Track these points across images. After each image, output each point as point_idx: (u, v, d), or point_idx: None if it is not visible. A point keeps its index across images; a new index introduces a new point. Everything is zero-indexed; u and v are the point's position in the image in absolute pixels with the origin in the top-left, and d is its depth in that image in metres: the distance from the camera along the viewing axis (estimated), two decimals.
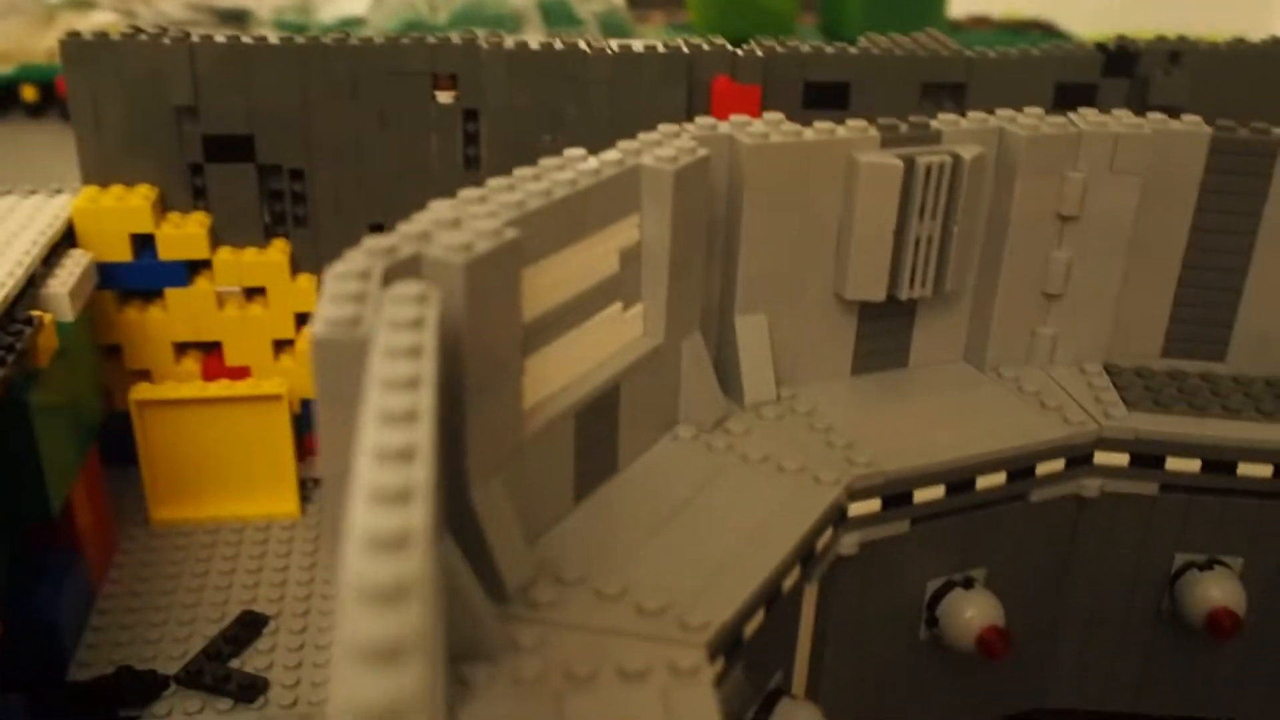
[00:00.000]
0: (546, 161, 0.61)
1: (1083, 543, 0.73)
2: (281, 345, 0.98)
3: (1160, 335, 0.78)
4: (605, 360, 0.63)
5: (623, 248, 0.62)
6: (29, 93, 1.80)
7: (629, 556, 0.59)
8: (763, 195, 0.67)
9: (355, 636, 0.30)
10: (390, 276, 0.48)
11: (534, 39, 1.86)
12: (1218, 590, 0.71)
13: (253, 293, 0.97)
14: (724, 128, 0.67)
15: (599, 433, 0.62)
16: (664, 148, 0.63)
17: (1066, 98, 0.98)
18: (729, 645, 0.55)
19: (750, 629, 0.57)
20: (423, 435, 0.37)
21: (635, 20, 2.10)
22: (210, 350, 0.97)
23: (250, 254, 0.95)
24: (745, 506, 0.62)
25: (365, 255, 0.49)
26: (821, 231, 0.70)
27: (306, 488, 0.99)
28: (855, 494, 0.65)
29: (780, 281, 0.70)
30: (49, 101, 1.81)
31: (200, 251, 0.94)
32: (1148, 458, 0.71)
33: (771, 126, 0.67)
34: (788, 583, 0.60)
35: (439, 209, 0.53)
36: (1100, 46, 0.99)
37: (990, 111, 0.93)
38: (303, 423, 0.97)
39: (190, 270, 0.94)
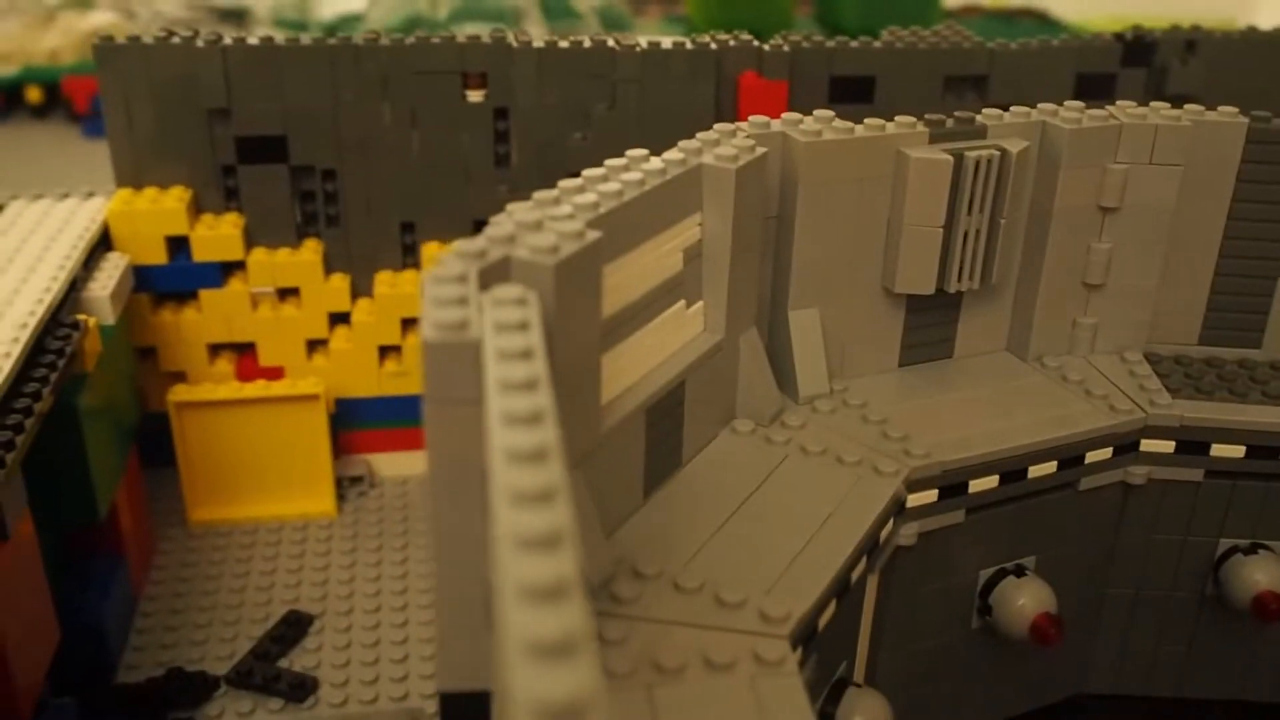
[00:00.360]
0: (611, 162, 0.61)
1: (1128, 529, 0.75)
2: (315, 345, 0.98)
3: (1198, 323, 0.80)
4: (670, 357, 0.64)
5: (685, 246, 0.63)
6: (33, 94, 1.79)
7: (702, 550, 0.60)
8: (816, 191, 0.68)
9: (526, 635, 0.31)
10: (484, 280, 0.49)
11: (535, 32, 1.87)
12: (1262, 574, 0.72)
13: (286, 293, 0.97)
14: (777, 125, 0.68)
15: (666, 428, 0.63)
16: (723, 147, 0.64)
17: (1086, 88, 1.00)
18: (807, 636, 0.57)
19: (824, 620, 0.59)
20: (551, 436, 0.38)
21: (632, 14, 2.11)
22: (244, 351, 0.98)
23: (284, 254, 0.96)
24: (810, 498, 0.64)
25: (459, 259, 0.50)
26: (872, 226, 0.71)
27: (342, 486, 0.99)
28: (913, 485, 0.66)
29: (832, 276, 0.71)
30: (53, 103, 1.80)
31: (235, 253, 0.94)
32: (1193, 444, 0.72)
33: (824, 124, 0.68)
34: (855, 573, 0.61)
35: (519, 211, 0.54)
36: (1118, 37, 1.00)
37: (1010, 103, 0.95)
38: (337, 421, 0.98)
39: (224, 271, 0.95)
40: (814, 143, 0.67)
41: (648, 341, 0.62)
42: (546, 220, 0.54)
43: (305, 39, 0.93)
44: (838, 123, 0.69)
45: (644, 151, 0.63)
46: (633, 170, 0.61)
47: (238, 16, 1.95)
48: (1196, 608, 0.77)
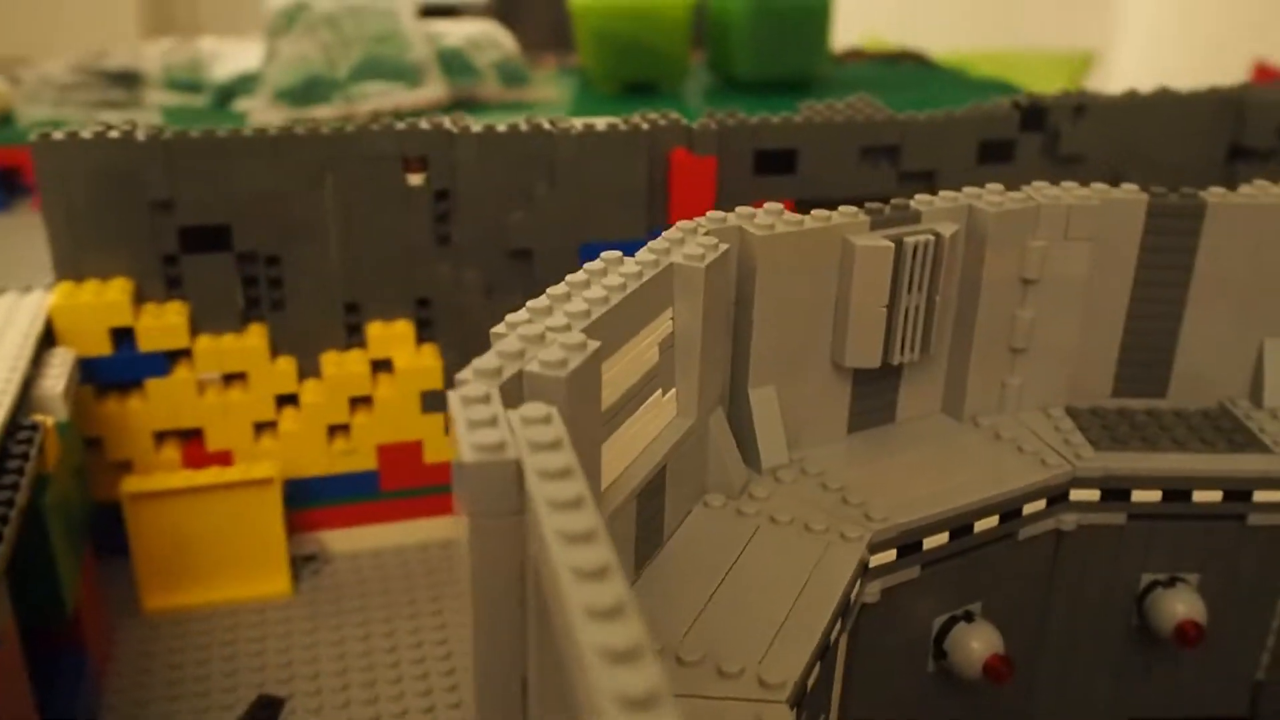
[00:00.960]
0: (590, 266, 0.66)
1: (1062, 571, 0.82)
2: (262, 427, 1.00)
3: (1110, 377, 0.87)
4: (652, 443, 0.68)
5: (660, 339, 0.68)
6: None
7: (696, 622, 0.64)
8: (771, 279, 0.74)
9: (597, 644, 0.35)
10: (505, 396, 0.53)
11: (435, 90, 1.90)
12: (1181, 605, 0.80)
13: (232, 377, 0.99)
14: (732, 219, 0.74)
15: (652, 510, 0.68)
16: (689, 245, 0.69)
17: (988, 153, 1.07)
18: (799, 698, 0.61)
19: (810, 681, 0.63)
20: (609, 553, 0.42)
21: (528, 66, 2.15)
22: (190, 437, 0.99)
23: (229, 339, 0.98)
24: (785, 566, 0.69)
25: (479, 378, 0.54)
26: (822, 308, 0.77)
27: (296, 565, 1.01)
28: (875, 547, 0.72)
29: (786, 354, 0.77)
30: None
31: (181, 341, 0.96)
32: (1116, 491, 0.79)
33: (775, 216, 0.74)
34: (833, 634, 0.67)
35: (520, 325, 0.58)
36: (1015, 104, 1.08)
37: (921, 169, 1.02)
38: (288, 501, 1.00)
39: (170, 359, 0.97)
40: (768, 236, 0.72)
41: (633, 431, 0.66)
42: (547, 332, 0.58)
43: (247, 131, 0.95)
44: (788, 215, 0.74)
45: (617, 254, 0.67)
46: (611, 274, 0.65)
47: (128, 80, 1.94)
48: (1124, 638, 0.84)
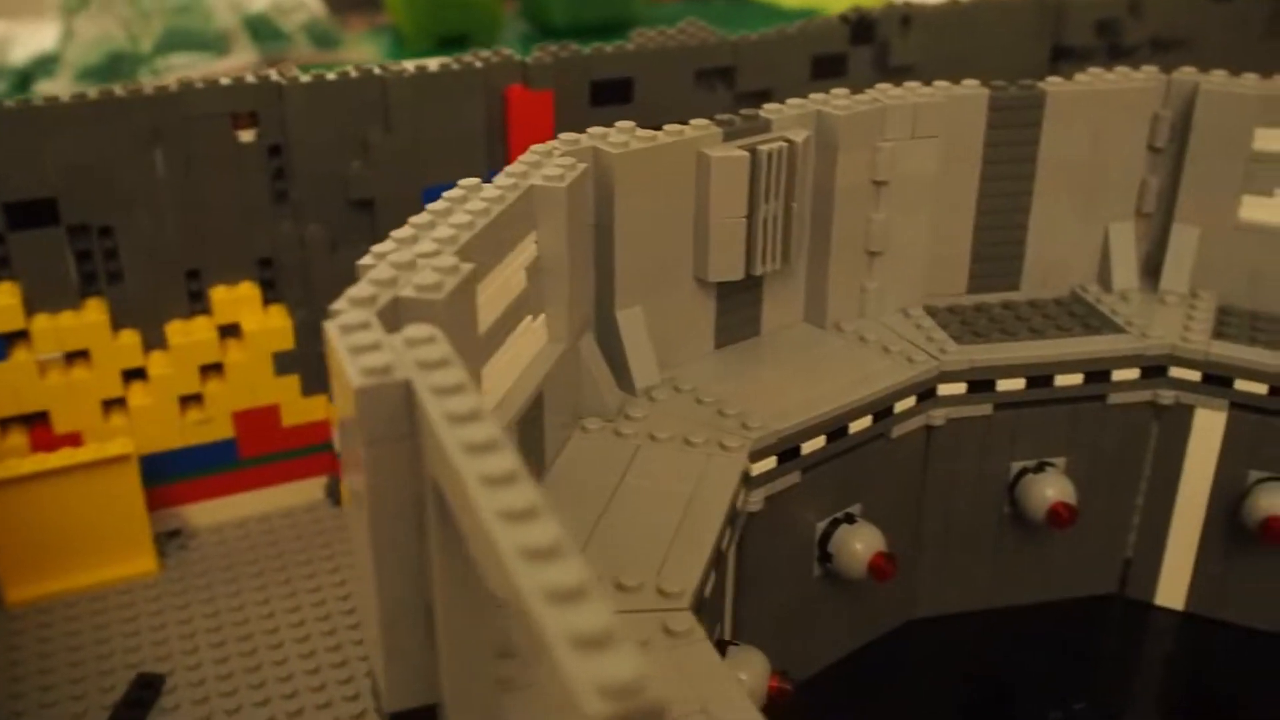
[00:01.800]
0: (450, 193, 0.64)
1: (934, 466, 0.83)
2: (110, 404, 0.97)
3: (965, 274, 0.89)
4: (527, 369, 0.67)
5: (527, 264, 0.67)
6: None
7: (590, 543, 0.64)
8: (630, 198, 0.73)
9: (569, 631, 0.34)
10: (382, 322, 0.52)
11: (244, 57, 1.85)
12: (1052, 489, 0.82)
13: (74, 356, 0.95)
14: (585, 140, 0.73)
15: (533, 437, 0.67)
16: (547, 168, 0.68)
17: (822, 68, 1.08)
18: (699, 605, 0.62)
19: (708, 590, 0.64)
20: (515, 460, 0.42)
21: (338, 27, 2.10)
22: (35, 421, 0.95)
23: (67, 317, 0.93)
24: (669, 481, 0.69)
25: (355, 306, 0.52)
26: (682, 224, 0.76)
27: (159, 542, 0.98)
28: (754, 455, 0.72)
29: (650, 274, 0.76)
30: None
31: (15, 323, 0.92)
32: (981, 383, 0.81)
33: (628, 134, 0.73)
34: (724, 544, 0.67)
35: (389, 253, 0.57)
36: (844, 18, 1.09)
37: (756, 89, 1.02)
38: (145, 478, 0.96)
39: (6, 343, 0.92)
40: (624, 153, 0.72)
41: (508, 357, 0.65)
42: (418, 259, 0.56)
43: (65, 96, 0.91)
44: (640, 132, 0.74)
45: (475, 180, 0.66)
46: (472, 200, 0.64)
47: None
48: (997, 527, 0.86)
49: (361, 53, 2.06)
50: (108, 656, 0.87)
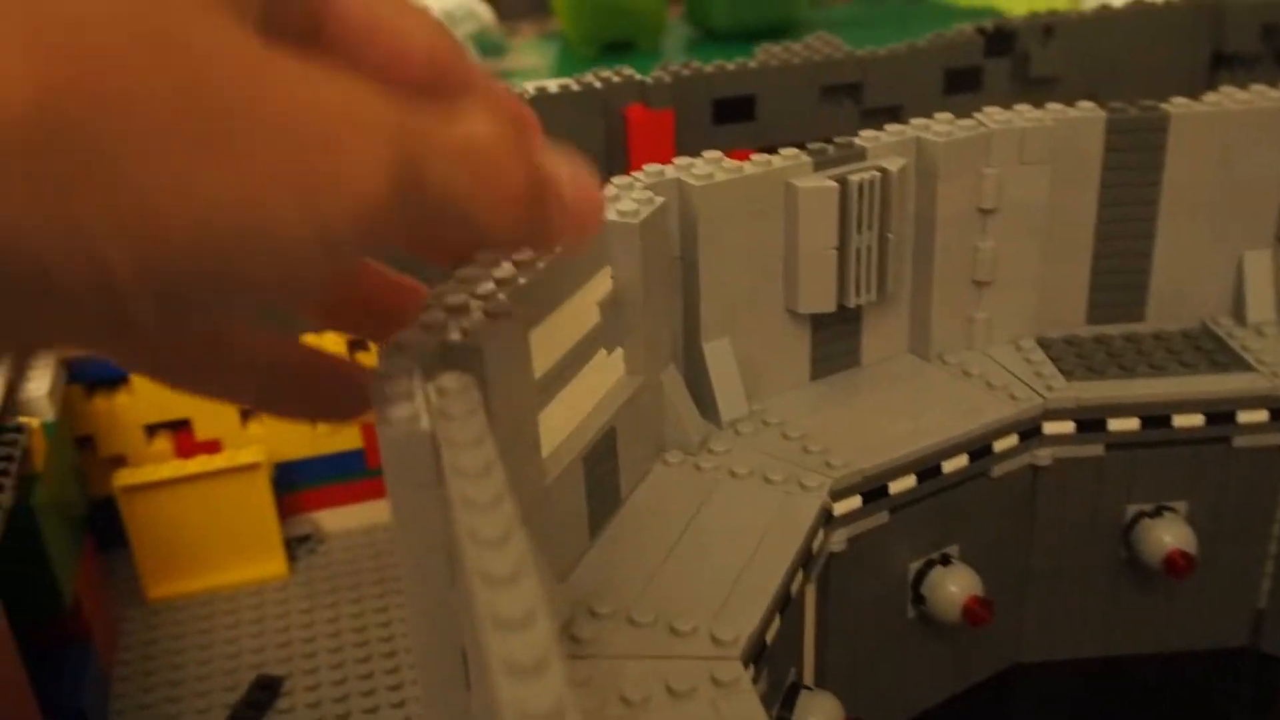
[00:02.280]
0: None
1: (1041, 507, 0.80)
2: (249, 414, 1.01)
3: (1083, 304, 0.85)
4: (600, 403, 0.68)
5: (600, 299, 0.67)
6: None
7: (651, 582, 0.64)
8: (715, 230, 0.72)
9: (506, 659, 0.35)
10: (426, 369, 0.53)
11: None
12: (1169, 535, 0.78)
13: None
14: (670, 172, 0.72)
15: (604, 471, 0.67)
16: (623, 202, 0.68)
17: (955, 82, 1.05)
18: (757, 652, 0.61)
19: (770, 635, 0.63)
20: (510, 521, 0.42)
21: (506, 34, 2.13)
22: (180, 427, 1.00)
23: None
24: (743, 520, 0.68)
25: (399, 353, 0.53)
26: (771, 254, 0.75)
27: (291, 547, 1.02)
28: (838, 494, 0.71)
29: (739, 305, 0.76)
30: None
31: None
32: (1091, 422, 0.78)
33: (714, 165, 0.73)
34: (794, 587, 0.66)
35: (447, 295, 0.57)
36: (980, 30, 1.05)
37: (884, 105, 1.00)
38: (278, 485, 1.00)
39: None
40: (707, 185, 0.71)
41: (577, 392, 0.65)
42: (471, 301, 0.57)
43: None
44: (726, 162, 0.73)
45: None
46: None
47: None
48: (1113, 572, 0.82)
49: (527, 60, 2.09)
50: (234, 656, 0.92)
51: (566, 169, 0.48)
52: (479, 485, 0.44)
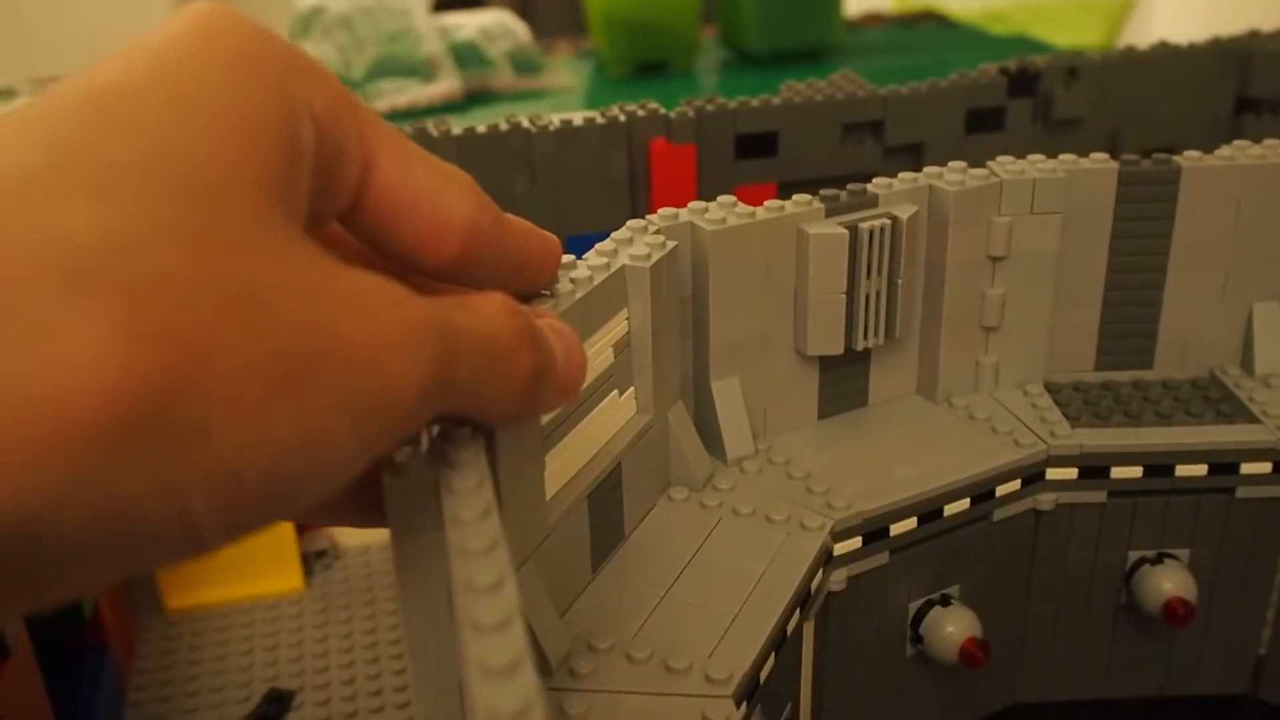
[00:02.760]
0: None
1: (1043, 551, 0.81)
2: None
3: (1092, 350, 0.86)
4: (608, 442, 0.69)
5: (615, 341, 0.68)
6: None
7: (649, 619, 0.65)
8: (726, 272, 0.74)
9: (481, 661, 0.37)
10: None
11: (448, 83, 1.91)
12: (1169, 582, 0.79)
13: None
14: (684, 215, 0.74)
15: (608, 507, 0.69)
16: (636, 245, 0.69)
17: (977, 122, 1.06)
18: (750, 691, 0.62)
19: (765, 673, 0.64)
20: (502, 569, 0.43)
21: (541, 52, 2.15)
22: None
23: None
24: (744, 559, 0.69)
25: None
26: (780, 297, 0.77)
27: (308, 561, 1.04)
28: (838, 535, 0.72)
29: (747, 346, 0.77)
30: None
31: None
32: (1094, 469, 0.79)
33: (727, 210, 0.74)
34: (790, 625, 0.67)
35: None
36: (1003, 70, 1.06)
37: (906, 143, 1.01)
38: None
39: None
40: (719, 230, 0.73)
41: (586, 433, 0.67)
42: None
43: None
44: (740, 207, 0.74)
45: (570, 258, 0.68)
46: (562, 280, 0.66)
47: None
48: (1113, 616, 0.83)
49: (561, 78, 2.10)
50: (248, 669, 0.93)
51: (560, 344, 0.50)
52: (475, 532, 0.45)
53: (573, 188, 0.98)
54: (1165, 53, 1.09)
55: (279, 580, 1.01)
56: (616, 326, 0.69)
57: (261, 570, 1.01)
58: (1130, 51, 1.10)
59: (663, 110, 0.99)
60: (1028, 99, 1.07)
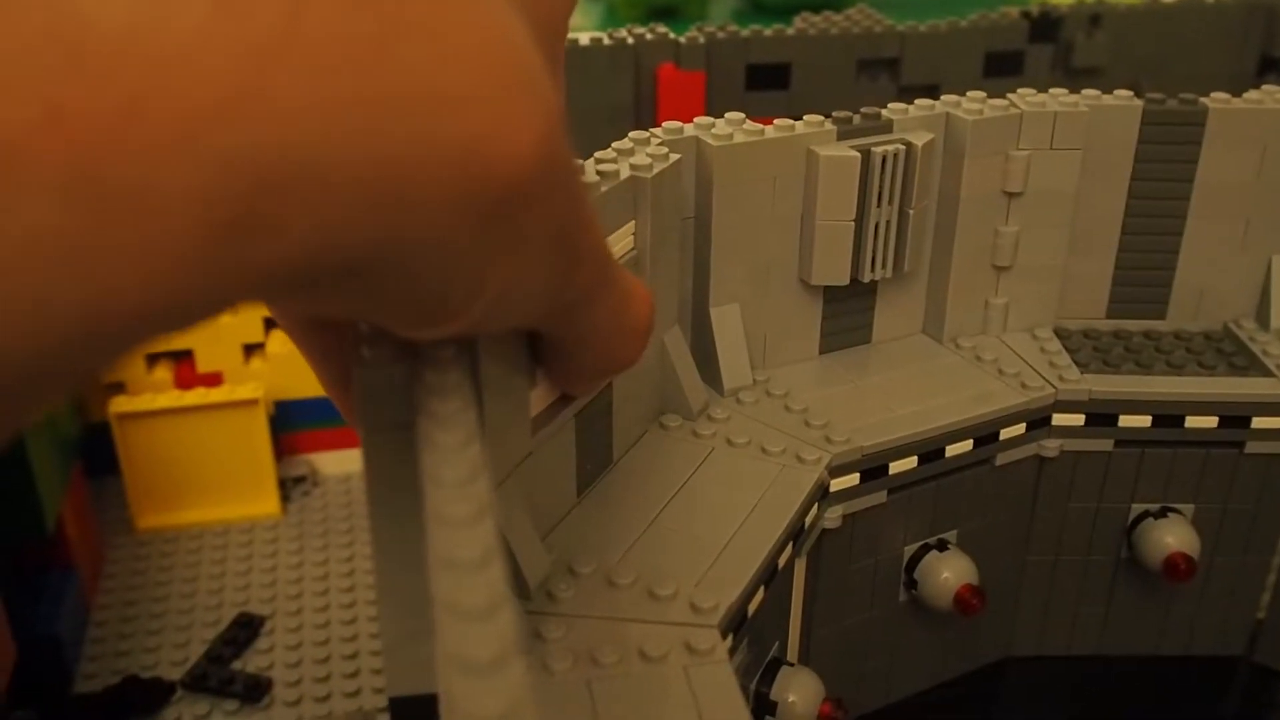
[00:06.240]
0: None
1: (1044, 499, 0.78)
2: (252, 349, 1.00)
3: (1104, 297, 0.83)
4: None
5: (620, 255, 0.65)
6: None
7: (634, 545, 0.62)
8: (730, 192, 0.71)
9: (461, 654, 0.33)
10: None
11: None
12: (1172, 536, 0.76)
13: None
14: (689, 130, 0.71)
15: (596, 430, 0.66)
16: (637, 155, 0.66)
17: (995, 65, 1.03)
18: (737, 623, 0.59)
19: (753, 606, 0.61)
20: (476, 465, 0.40)
21: None
22: (182, 358, 0.99)
23: None
24: (736, 489, 0.66)
25: None
26: (786, 222, 0.73)
27: (286, 487, 1.01)
28: (835, 470, 0.69)
29: (750, 272, 0.74)
30: None
31: None
32: (1102, 416, 0.76)
33: (735, 126, 0.71)
34: (782, 559, 0.64)
35: None
36: (1025, 14, 1.03)
37: (922, 83, 0.98)
38: (277, 424, 0.99)
39: None
40: (726, 146, 0.69)
41: None
42: None
43: None
44: (748, 125, 0.71)
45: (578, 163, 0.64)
46: None
47: None
48: (1112, 570, 0.81)
49: (571, 20, 2.06)
50: (218, 592, 0.91)
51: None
52: (451, 434, 0.42)
53: (578, 110, 0.95)
54: (1191, 6, 1.06)
55: (255, 504, 0.99)
56: (623, 240, 0.66)
57: (237, 493, 0.98)
58: (1155, 3, 1.07)
59: (673, 35, 0.96)
60: (1048, 45, 1.03)
